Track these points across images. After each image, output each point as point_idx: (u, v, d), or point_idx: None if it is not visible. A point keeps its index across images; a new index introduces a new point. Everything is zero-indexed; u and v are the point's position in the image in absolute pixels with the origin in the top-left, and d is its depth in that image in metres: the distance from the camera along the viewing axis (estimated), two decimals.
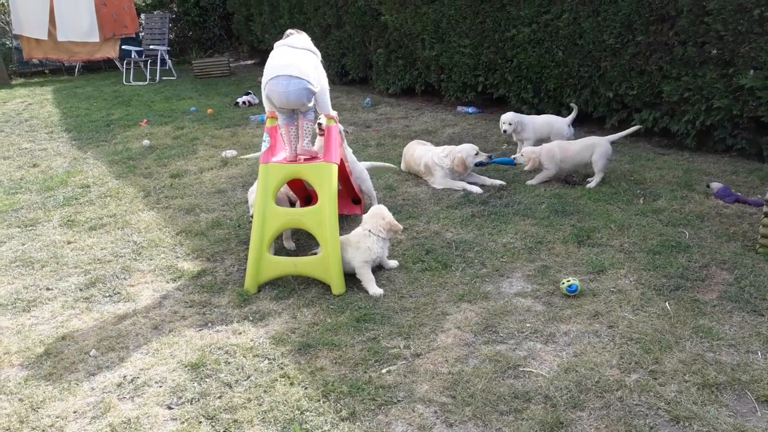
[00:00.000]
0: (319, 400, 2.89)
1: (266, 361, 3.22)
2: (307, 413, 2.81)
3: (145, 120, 9.41)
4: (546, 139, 5.92)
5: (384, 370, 3.09)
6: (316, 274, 3.94)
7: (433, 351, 3.22)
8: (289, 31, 4.30)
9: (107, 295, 4.01)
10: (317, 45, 4.32)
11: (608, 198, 5.00)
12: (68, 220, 5.28)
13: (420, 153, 5.84)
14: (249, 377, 3.09)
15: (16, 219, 5.38)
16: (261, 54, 15.34)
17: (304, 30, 4.45)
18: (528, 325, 3.40)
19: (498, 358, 3.11)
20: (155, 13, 15.19)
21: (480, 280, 3.91)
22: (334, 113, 4.36)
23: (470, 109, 8.79)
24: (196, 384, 3.06)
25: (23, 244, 4.84)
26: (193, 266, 4.34)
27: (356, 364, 3.14)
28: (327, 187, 4.01)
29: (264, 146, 4.22)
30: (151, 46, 14.11)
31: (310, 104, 4.11)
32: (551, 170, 5.31)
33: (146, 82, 13.42)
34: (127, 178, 6.47)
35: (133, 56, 13.99)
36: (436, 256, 4.26)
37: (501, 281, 3.90)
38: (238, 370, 3.15)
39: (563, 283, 3.67)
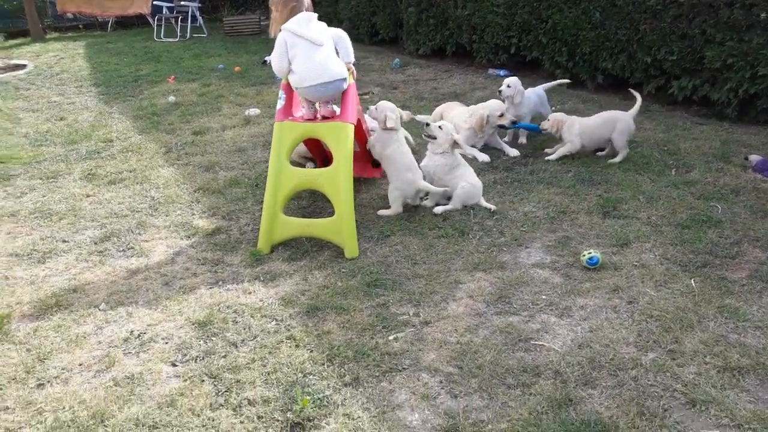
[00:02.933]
0: (324, 364, 2.84)
1: (273, 322, 3.17)
2: (310, 376, 2.76)
3: (173, 76, 9.37)
4: (537, 114, 5.79)
5: (391, 337, 3.02)
6: (330, 237, 3.87)
7: (442, 320, 3.14)
8: (296, 10, 4.04)
9: (121, 249, 4.01)
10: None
11: (638, 168, 4.78)
12: (89, 174, 5.28)
13: (459, 111, 5.65)
14: (255, 337, 3.05)
15: (39, 171, 5.41)
16: None
17: None
18: (543, 297, 3.28)
19: (509, 330, 3.01)
20: None
21: (497, 249, 3.79)
22: (352, 71, 4.23)
23: (502, 72, 8.50)
24: (202, 342, 3.03)
25: (44, 196, 4.86)
26: (208, 224, 4.31)
27: (363, 330, 3.07)
28: (343, 147, 3.90)
29: (279, 103, 4.12)
30: (182, 2, 14.00)
31: None
32: (575, 144, 5.01)
33: (177, 39, 13.35)
34: (149, 134, 6.44)
35: (164, 12, 13.91)
36: (453, 223, 4.14)
37: (519, 251, 3.77)
38: (245, 329, 3.12)
39: (584, 256, 3.52)
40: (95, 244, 4.08)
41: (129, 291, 3.51)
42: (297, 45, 3.98)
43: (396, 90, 8.01)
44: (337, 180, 3.85)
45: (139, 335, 3.10)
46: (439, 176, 4.32)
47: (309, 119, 4.11)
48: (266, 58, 10.29)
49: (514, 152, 5.30)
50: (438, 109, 5.96)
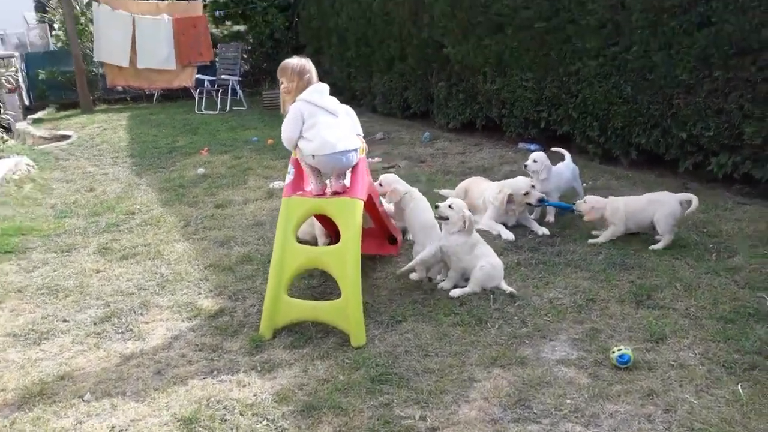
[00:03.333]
0: None
1: (264, 422, 2.89)
2: None
3: (207, 148, 9.44)
4: (570, 189, 5.56)
5: None
6: (335, 322, 3.61)
7: (452, 425, 2.81)
8: (310, 81, 4.02)
9: (120, 331, 3.82)
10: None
11: (675, 252, 4.43)
12: (103, 248, 5.19)
13: (485, 186, 5.45)
14: None
15: (55, 244, 5.35)
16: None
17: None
18: (568, 401, 2.92)
19: None
20: (231, 44, 15.53)
21: (518, 342, 3.46)
22: (363, 144, 4.12)
23: (533, 146, 8.29)
24: None
25: (54, 271, 4.77)
26: (213, 304, 4.11)
27: None
28: (351, 224, 3.71)
29: (288, 178, 4.01)
30: (223, 76, 14.40)
31: None
32: (619, 227, 4.69)
33: (216, 112, 13.63)
34: (172, 206, 6.40)
35: (206, 85, 14.31)
36: (470, 308, 3.84)
37: (542, 344, 3.43)
38: (232, 430, 2.84)
39: (614, 352, 3.17)
40: (95, 324, 3.90)
41: (119, 379, 3.29)
42: (316, 115, 3.90)
43: (423, 163, 7.88)
44: (344, 259, 3.64)
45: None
46: (458, 256, 4.07)
47: (318, 195, 3.95)
48: None
49: (542, 231, 5.01)
50: (462, 185, 5.75)
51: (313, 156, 3.91)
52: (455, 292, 4.01)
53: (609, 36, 6.70)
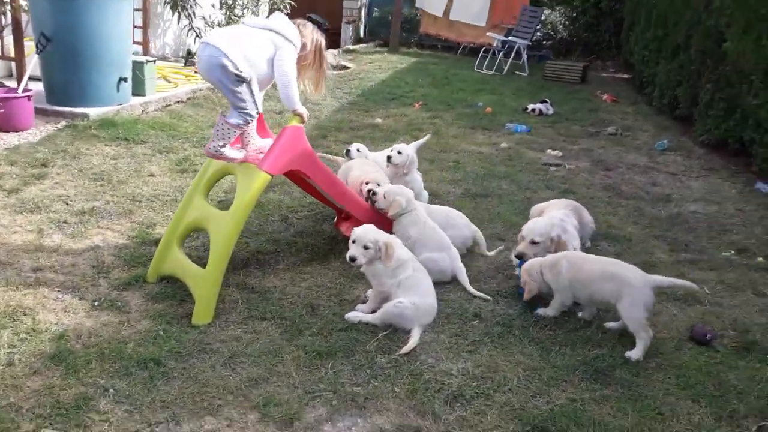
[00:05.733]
0: None
1: (9, 353, 2.77)
2: None
3: (421, 102, 9.20)
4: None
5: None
6: (192, 290, 3.24)
7: None
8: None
9: (74, 226, 4.03)
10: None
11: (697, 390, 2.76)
12: (183, 158, 5.46)
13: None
14: None
15: (164, 145, 5.79)
16: (630, 68, 13.48)
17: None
18: None
19: None
20: (533, 8, 14.68)
21: (327, 400, 2.62)
22: (303, 110, 3.46)
23: None
24: None
25: (128, 165, 5.21)
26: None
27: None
28: (245, 193, 3.23)
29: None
30: (512, 38, 13.73)
31: (237, 93, 3.28)
32: (565, 296, 3.28)
33: (492, 72, 13.14)
34: None
35: (495, 44, 13.86)
36: (343, 338, 3.03)
37: (344, 413, 2.54)
38: None
39: None
40: (72, 215, 4.18)
41: (4, 263, 3.51)
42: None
43: (605, 172, 6.42)
44: (220, 227, 3.22)
45: None
46: (378, 279, 3.24)
47: (244, 160, 3.51)
48: (529, 106, 9.37)
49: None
50: (540, 206, 4.40)
51: None
52: (350, 315, 3.21)
53: None
